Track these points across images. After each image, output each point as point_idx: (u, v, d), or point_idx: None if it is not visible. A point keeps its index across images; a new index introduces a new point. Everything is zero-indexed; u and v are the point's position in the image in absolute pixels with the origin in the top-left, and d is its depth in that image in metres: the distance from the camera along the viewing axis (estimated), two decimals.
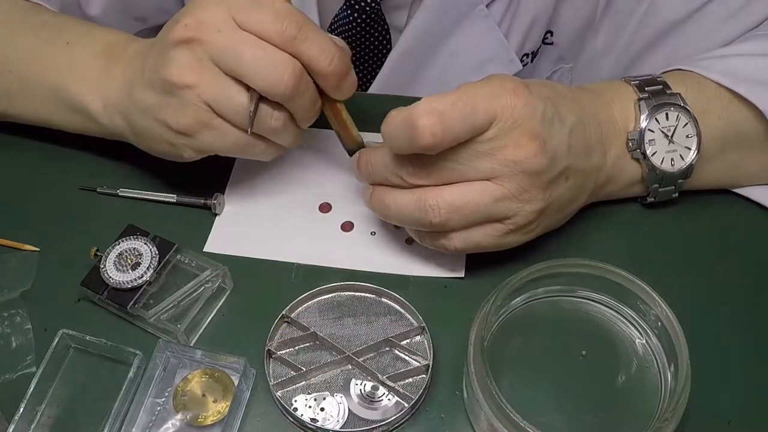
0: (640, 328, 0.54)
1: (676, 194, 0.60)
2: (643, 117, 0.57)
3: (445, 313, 0.56)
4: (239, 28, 0.52)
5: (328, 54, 0.52)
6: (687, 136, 0.57)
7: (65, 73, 0.62)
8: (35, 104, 0.64)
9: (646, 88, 0.58)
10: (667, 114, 0.57)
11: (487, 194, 0.51)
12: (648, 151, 0.57)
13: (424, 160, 0.51)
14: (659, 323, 0.52)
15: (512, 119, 0.50)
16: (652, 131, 0.57)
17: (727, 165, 0.60)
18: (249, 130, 0.54)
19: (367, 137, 0.58)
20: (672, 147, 0.57)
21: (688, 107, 0.57)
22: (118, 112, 0.59)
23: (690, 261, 0.59)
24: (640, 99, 0.57)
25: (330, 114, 0.57)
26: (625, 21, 0.74)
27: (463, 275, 0.58)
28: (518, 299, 0.55)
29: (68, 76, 0.61)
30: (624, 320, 0.55)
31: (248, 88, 0.52)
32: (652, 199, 0.60)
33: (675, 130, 0.57)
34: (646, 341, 0.54)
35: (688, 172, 0.58)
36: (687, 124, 0.57)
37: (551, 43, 0.79)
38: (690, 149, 0.57)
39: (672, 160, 0.57)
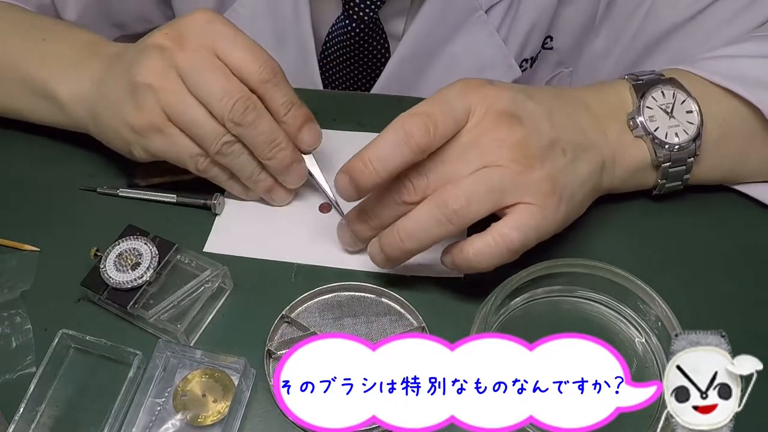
0: (640, 328, 0.54)
1: (681, 186, 0.59)
2: (638, 96, 0.57)
3: (445, 313, 0.56)
4: (215, 56, 0.55)
5: (289, 101, 0.57)
6: (687, 112, 0.57)
7: (37, 61, 0.63)
8: (3, 90, 0.65)
9: (639, 77, 0.59)
10: (662, 92, 0.57)
11: (488, 175, 0.51)
12: (650, 127, 0.56)
13: (418, 174, 0.52)
14: (659, 323, 0.52)
15: (485, 105, 0.52)
16: (651, 108, 0.57)
17: (728, 158, 0.60)
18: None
19: (366, 136, 0.58)
20: (674, 122, 0.57)
21: (685, 88, 0.57)
22: (84, 103, 0.61)
23: (690, 261, 0.59)
24: (633, 84, 0.58)
25: None
26: (625, 24, 0.74)
27: (463, 275, 0.58)
28: (518, 299, 0.55)
29: (40, 65, 0.63)
30: (624, 320, 0.55)
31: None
32: (664, 181, 0.58)
33: (673, 106, 0.57)
34: (646, 341, 0.54)
35: (695, 145, 0.57)
36: (685, 101, 0.57)
37: (551, 48, 0.79)
38: (693, 124, 0.57)
39: (676, 134, 0.57)
